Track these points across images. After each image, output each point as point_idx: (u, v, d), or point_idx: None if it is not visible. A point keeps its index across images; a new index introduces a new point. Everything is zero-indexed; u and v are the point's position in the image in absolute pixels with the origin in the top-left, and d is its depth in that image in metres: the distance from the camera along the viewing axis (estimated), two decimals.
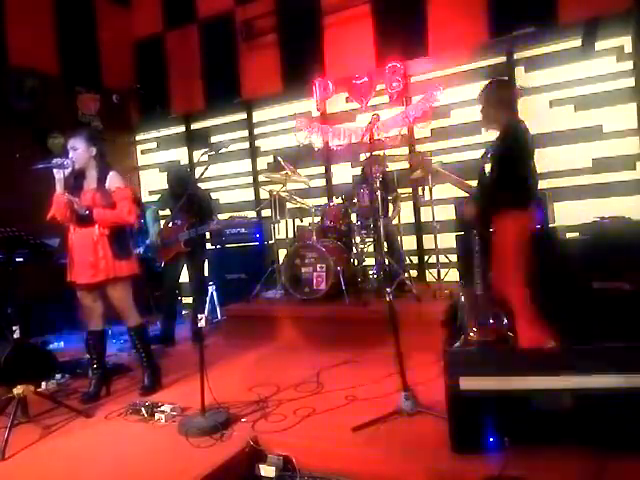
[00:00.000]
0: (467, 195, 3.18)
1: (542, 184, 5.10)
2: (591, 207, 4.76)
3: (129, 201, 3.22)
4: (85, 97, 6.55)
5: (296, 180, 5.37)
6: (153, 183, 7.46)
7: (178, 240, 4.59)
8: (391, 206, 5.21)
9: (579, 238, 3.97)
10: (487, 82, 3.12)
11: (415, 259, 5.77)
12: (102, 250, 3.13)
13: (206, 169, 3.15)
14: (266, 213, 5.99)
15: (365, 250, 5.24)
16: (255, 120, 6.79)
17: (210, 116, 7.03)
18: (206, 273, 5.45)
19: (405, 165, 5.81)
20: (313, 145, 6.25)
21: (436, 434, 2.28)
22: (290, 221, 5.55)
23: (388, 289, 2.82)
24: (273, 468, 2.38)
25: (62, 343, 4.99)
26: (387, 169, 5.29)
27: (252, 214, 6.25)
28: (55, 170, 3.09)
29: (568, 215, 4.67)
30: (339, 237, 4.97)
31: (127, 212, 3.19)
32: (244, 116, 6.83)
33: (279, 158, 5.40)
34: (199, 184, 5.12)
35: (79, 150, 3.18)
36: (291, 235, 5.54)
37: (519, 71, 5.28)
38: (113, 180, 3.24)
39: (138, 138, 7.63)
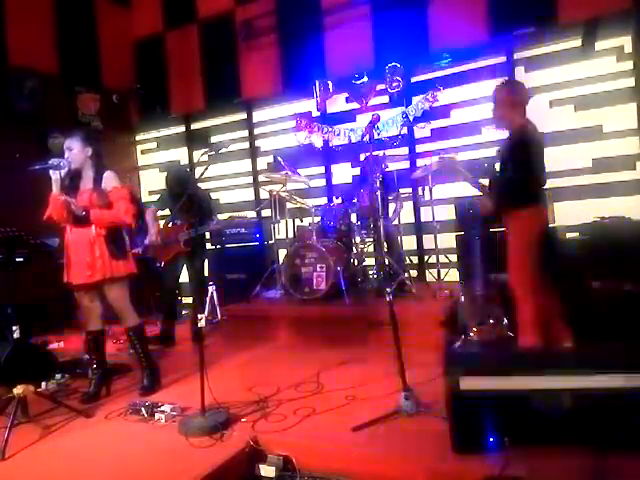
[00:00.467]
0: (481, 194, 3.23)
1: None
2: (591, 207, 4.76)
3: (126, 201, 3.21)
4: (85, 97, 6.55)
5: (296, 180, 5.37)
6: (153, 183, 7.46)
7: (178, 240, 4.59)
8: (391, 206, 5.22)
9: (579, 238, 3.97)
10: (499, 83, 3.16)
11: (415, 259, 5.78)
12: (99, 250, 3.13)
13: (206, 169, 3.15)
14: (266, 213, 5.99)
15: (365, 250, 5.24)
16: (255, 120, 6.79)
17: (210, 116, 7.04)
18: (206, 273, 5.45)
19: (405, 165, 5.82)
20: (313, 145, 6.25)
21: (436, 434, 2.28)
22: (290, 221, 5.55)
23: (388, 289, 2.82)
24: (273, 468, 2.37)
25: (62, 343, 4.99)
26: (387, 169, 5.30)
27: (252, 214, 6.26)
28: (51, 171, 3.09)
29: (568, 215, 4.67)
30: (339, 237, 4.97)
31: (124, 212, 3.18)
32: (244, 116, 6.84)
33: (279, 158, 5.40)
34: (199, 184, 5.12)
35: (75, 150, 3.18)
36: (291, 235, 5.55)
37: (519, 71, 5.28)
38: (109, 180, 3.23)
39: (138, 138, 7.63)
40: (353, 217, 5.11)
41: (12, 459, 2.53)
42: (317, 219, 4.96)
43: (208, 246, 5.73)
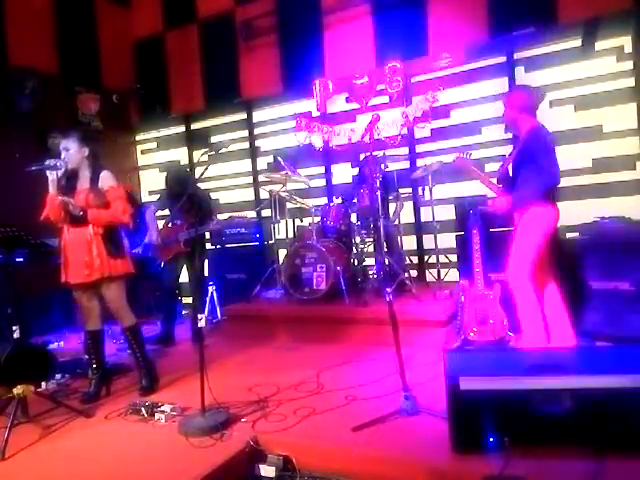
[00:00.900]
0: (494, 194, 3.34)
1: None
2: (591, 207, 4.76)
3: (123, 200, 3.22)
4: (85, 97, 6.54)
5: (296, 180, 5.37)
6: (153, 183, 7.46)
7: (178, 240, 4.59)
8: (391, 206, 5.21)
9: (579, 238, 3.97)
10: (512, 89, 3.28)
11: (415, 259, 5.77)
12: (97, 249, 3.13)
13: (206, 169, 3.15)
14: (266, 213, 5.99)
15: (365, 250, 5.24)
16: (255, 120, 6.79)
17: (210, 116, 7.03)
18: (206, 273, 5.45)
19: (405, 165, 5.82)
20: (313, 145, 6.25)
21: (436, 434, 2.28)
22: (290, 221, 5.55)
23: (388, 289, 2.82)
24: (273, 468, 2.38)
25: (62, 343, 4.99)
26: (387, 169, 5.30)
27: (252, 214, 6.26)
28: (48, 171, 3.09)
29: (568, 215, 4.66)
30: (339, 237, 4.97)
31: (121, 211, 3.19)
32: (244, 116, 6.83)
33: (279, 158, 5.40)
34: (199, 184, 5.12)
35: (71, 151, 3.18)
36: (291, 235, 5.54)
37: (519, 71, 5.28)
38: (106, 179, 3.23)
39: (138, 138, 7.63)
40: (353, 217, 5.11)
41: (12, 459, 2.53)
42: (317, 219, 4.96)
43: (208, 246, 5.73)
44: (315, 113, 6.28)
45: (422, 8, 5.56)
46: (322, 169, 6.36)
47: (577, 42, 4.93)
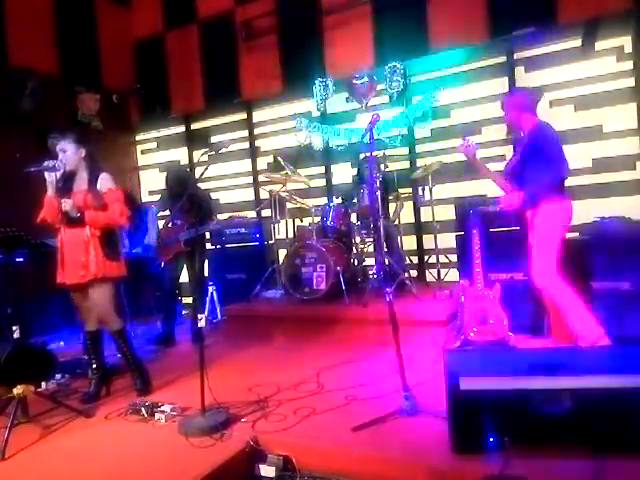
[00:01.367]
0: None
1: None
2: (591, 207, 4.75)
3: (121, 203, 3.21)
4: (85, 97, 6.54)
5: (296, 180, 5.37)
6: (153, 183, 7.46)
7: (178, 240, 4.59)
8: (391, 206, 5.21)
9: (579, 238, 3.97)
10: (508, 92, 3.30)
11: (415, 259, 5.78)
12: (94, 250, 3.12)
13: (206, 169, 3.15)
14: (266, 213, 5.99)
15: (365, 250, 5.24)
16: (255, 120, 6.79)
17: (210, 116, 7.03)
18: (206, 273, 5.45)
19: (405, 165, 5.82)
20: (313, 145, 6.25)
21: (436, 434, 2.28)
22: (290, 221, 5.55)
23: (388, 289, 2.82)
24: (273, 468, 2.37)
25: (62, 343, 4.99)
26: (387, 169, 5.30)
27: (252, 214, 6.26)
28: (46, 173, 3.09)
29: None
30: (339, 237, 4.97)
31: (119, 214, 3.19)
32: (244, 116, 6.83)
33: (279, 158, 5.40)
34: (199, 184, 5.12)
35: (68, 152, 3.17)
36: (291, 235, 5.54)
37: (519, 71, 5.28)
38: (104, 182, 3.22)
39: (138, 138, 7.63)
40: (353, 217, 5.11)
41: (12, 459, 2.53)
42: (317, 219, 4.96)
43: (208, 246, 5.73)
44: (315, 113, 6.29)
45: (422, 8, 5.56)
46: (322, 169, 6.36)
47: (577, 42, 4.93)
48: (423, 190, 5.21)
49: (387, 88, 5.72)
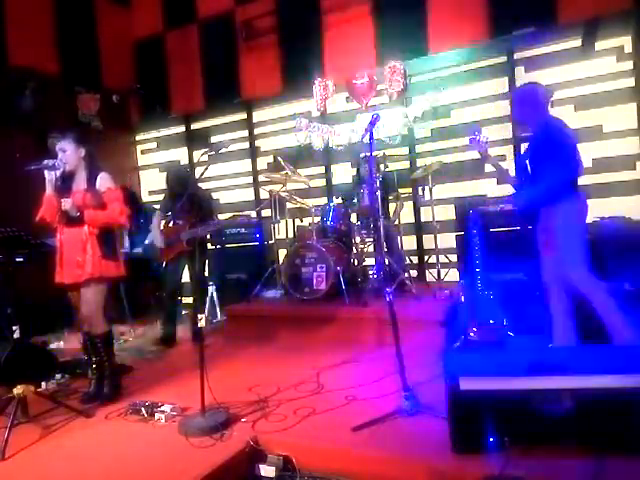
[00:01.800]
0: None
1: None
2: (591, 207, 4.74)
3: (120, 202, 3.21)
4: (85, 97, 6.54)
5: (296, 180, 5.37)
6: (153, 183, 7.46)
7: (180, 239, 4.59)
8: (391, 206, 5.21)
9: None
10: (517, 88, 3.21)
11: (415, 259, 5.78)
12: (91, 249, 3.12)
13: (206, 169, 3.15)
14: (266, 213, 5.99)
15: (365, 250, 5.24)
16: (255, 120, 6.80)
17: (210, 116, 7.04)
18: (207, 273, 5.45)
19: (405, 165, 5.82)
20: (313, 145, 6.25)
21: (436, 434, 2.28)
22: (290, 221, 5.55)
23: (388, 289, 2.82)
24: (273, 468, 2.37)
25: (62, 343, 4.99)
26: (387, 169, 5.29)
27: (252, 214, 6.26)
28: (46, 172, 3.09)
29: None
30: (339, 237, 4.97)
31: (118, 213, 3.18)
32: (244, 116, 6.84)
33: (279, 158, 5.40)
34: (199, 184, 5.12)
35: (68, 152, 3.17)
36: (291, 235, 5.55)
37: (519, 71, 5.28)
38: (103, 181, 3.22)
39: (138, 138, 7.63)
40: (353, 217, 5.11)
41: (12, 459, 2.53)
42: (317, 219, 4.96)
43: (209, 246, 5.73)
44: (315, 113, 6.29)
45: (422, 8, 5.56)
46: (322, 169, 6.36)
47: (577, 42, 4.94)
48: (423, 190, 5.22)
49: (387, 88, 5.72)
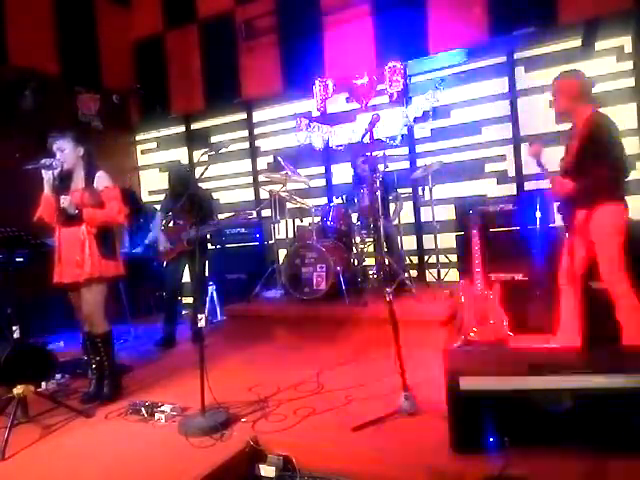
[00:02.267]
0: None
1: (542, 184, 5.11)
2: None
3: (118, 201, 3.21)
4: (85, 97, 6.54)
5: (296, 180, 5.37)
6: (153, 183, 7.46)
7: (181, 239, 4.59)
8: (392, 206, 5.21)
9: None
10: (559, 73, 3.03)
11: (415, 259, 5.78)
12: (89, 249, 3.12)
13: (206, 169, 3.15)
14: (266, 213, 5.99)
15: (365, 250, 5.24)
16: (255, 120, 6.80)
17: (210, 116, 7.04)
18: (207, 273, 5.44)
19: (405, 165, 5.82)
20: (313, 145, 6.25)
21: (436, 434, 2.28)
22: (290, 221, 5.55)
23: (388, 289, 2.82)
24: (273, 468, 2.37)
25: (62, 343, 4.99)
26: (387, 169, 5.29)
27: (252, 213, 6.25)
28: (44, 171, 3.09)
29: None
30: (339, 237, 4.97)
31: (117, 211, 3.18)
32: (244, 116, 6.84)
33: (279, 158, 5.40)
34: (199, 184, 5.12)
35: (66, 151, 3.17)
36: (291, 235, 5.55)
37: (519, 71, 5.28)
38: (101, 180, 3.22)
39: (138, 138, 7.63)
40: (353, 217, 5.11)
41: (12, 459, 2.53)
42: (317, 219, 4.96)
43: (209, 246, 5.73)
44: (315, 113, 6.29)
45: (422, 8, 5.56)
46: (322, 169, 6.36)
47: (577, 42, 4.93)
48: (423, 190, 5.21)
49: (387, 88, 5.72)
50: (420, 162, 5.68)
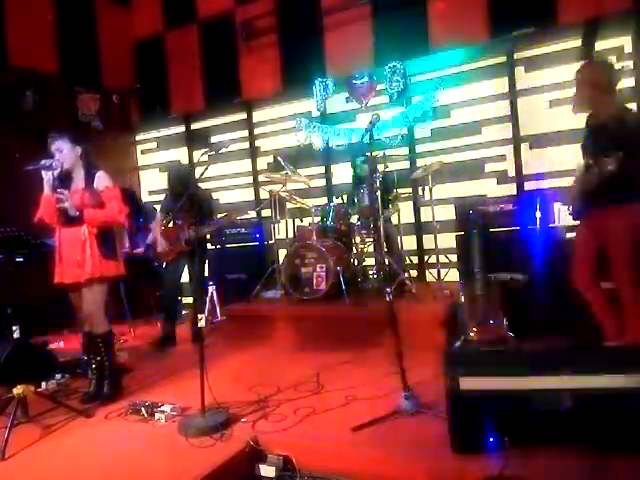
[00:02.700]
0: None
1: (542, 184, 5.12)
2: None
3: (118, 201, 3.21)
4: (85, 97, 6.55)
5: (296, 180, 5.37)
6: (153, 183, 7.46)
7: (180, 239, 4.59)
8: (391, 206, 5.21)
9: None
10: (585, 63, 2.88)
11: (415, 259, 5.77)
12: (90, 249, 3.12)
13: (206, 169, 3.15)
14: (266, 213, 5.99)
15: (365, 250, 5.24)
16: (255, 120, 6.79)
17: (210, 116, 7.03)
18: (207, 273, 5.45)
19: (405, 165, 5.81)
20: (313, 145, 6.25)
21: (436, 434, 2.28)
22: (290, 221, 5.55)
23: (388, 289, 2.82)
24: (273, 468, 2.37)
25: (62, 343, 4.99)
26: (387, 169, 5.29)
27: (252, 214, 6.25)
28: (43, 171, 3.09)
29: (568, 215, 4.65)
30: (339, 237, 4.97)
31: (117, 211, 3.18)
32: (244, 116, 6.83)
33: (279, 158, 5.40)
34: (199, 184, 5.11)
35: (65, 151, 3.17)
36: (291, 235, 5.54)
37: (519, 71, 5.28)
38: (101, 180, 3.22)
39: (138, 138, 7.63)
40: (353, 217, 5.11)
41: (12, 459, 2.52)
42: (317, 219, 4.96)
43: (209, 246, 5.73)
44: (315, 113, 6.29)
45: (422, 8, 5.56)
46: (322, 169, 6.36)
47: (577, 42, 4.93)
48: (423, 190, 5.21)
49: (387, 88, 5.72)
50: (420, 162, 5.68)
